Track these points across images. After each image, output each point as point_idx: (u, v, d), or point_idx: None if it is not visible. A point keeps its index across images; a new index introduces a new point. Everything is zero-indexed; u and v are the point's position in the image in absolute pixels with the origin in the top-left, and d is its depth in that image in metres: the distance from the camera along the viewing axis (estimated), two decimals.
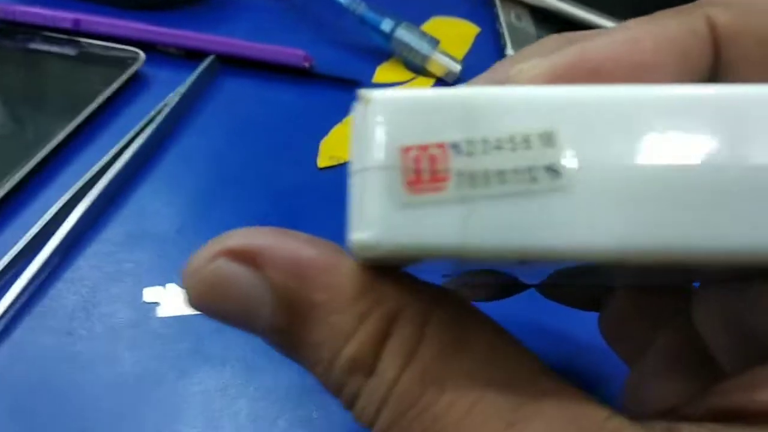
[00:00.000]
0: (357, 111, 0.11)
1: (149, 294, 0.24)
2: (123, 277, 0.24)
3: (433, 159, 0.10)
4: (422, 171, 0.10)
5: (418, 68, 0.37)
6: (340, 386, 0.11)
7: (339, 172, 0.30)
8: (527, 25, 0.41)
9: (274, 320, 0.11)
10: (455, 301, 0.12)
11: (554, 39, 0.15)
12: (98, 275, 0.24)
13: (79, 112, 0.31)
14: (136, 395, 0.21)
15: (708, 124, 0.10)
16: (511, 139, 0.10)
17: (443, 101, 0.10)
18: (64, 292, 0.24)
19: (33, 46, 0.35)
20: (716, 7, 0.12)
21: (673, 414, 0.12)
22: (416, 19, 0.42)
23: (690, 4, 0.13)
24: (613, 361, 0.18)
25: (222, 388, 0.21)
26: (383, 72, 0.37)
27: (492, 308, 0.16)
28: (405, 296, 0.11)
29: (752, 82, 0.12)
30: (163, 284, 0.24)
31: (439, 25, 0.42)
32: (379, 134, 0.10)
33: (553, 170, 0.10)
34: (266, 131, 0.32)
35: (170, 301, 0.24)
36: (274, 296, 0.11)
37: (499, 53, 0.39)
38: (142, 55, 0.34)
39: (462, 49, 0.40)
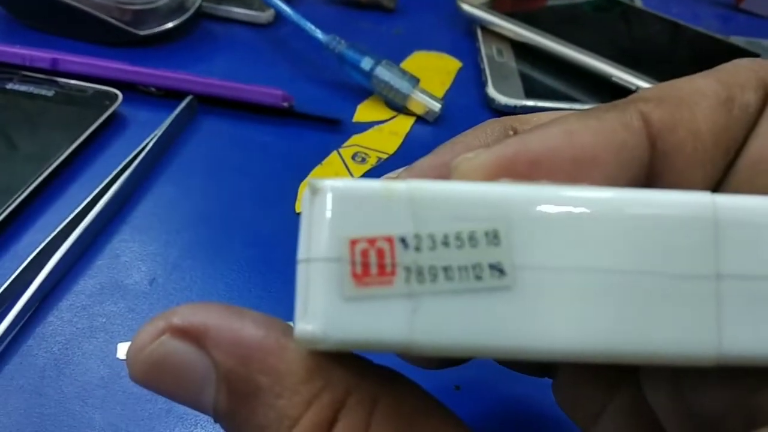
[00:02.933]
0: (306, 199, 0.11)
1: (122, 350, 0.23)
2: (96, 333, 0.24)
3: (380, 253, 0.10)
4: (370, 264, 0.10)
5: (398, 107, 0.37)
6: None
7: None
8: (509, 60, 0.41)
9: (219, 401, 0.11)
10: (403, 385, 0.12)
11: (492, 124, 0.16)
12: (71, 330, 0.24)
13: (55, 155, 0.30)
14: None
15: (642, 230, 0.10)
16: (458, 236, 0.10)
17: (392, 194, 0.10)
18: (35, 349, 0.23)
19: (10, 86, 0.35)
20: (649, 103, 0.12)
21: None
22: (399, 52, 0.43)
23: (624, 100, 0.13)
24: (568, 425, 0.18)
25: None
26: (364, 110, 0.37)
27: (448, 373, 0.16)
28: (352, 380, 0.11)
29: (687, 171, 0.12)
30: None
31: (421, 60, 0.43)
32: (328, 225, 0.10)
33: (498, 269, 0.10)
34: (244, 174, 0.32)
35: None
36: (219, 377, 0.11)
37: (481, 88, 0.39)
38: (120, 95, 0.34)
39: (444, 84, 0.41)
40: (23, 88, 0.35)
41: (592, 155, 0.12)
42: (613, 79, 0.38)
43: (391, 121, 0.37)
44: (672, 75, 0.40)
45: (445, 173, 0.13)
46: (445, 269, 0.10)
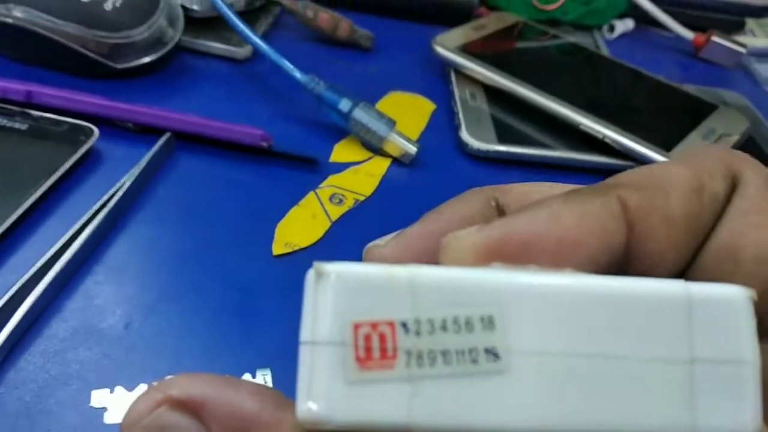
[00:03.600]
0: (310, 281, 0.11)
1: (96, 398, 0.23)
2: (69, 380, 0.24)
3: (383, 337, 0.11)
4: (372, 349, 0.11)
5: (375, 148, 0.38)
6: None
7: (294, 260, 0.30)
8: (481, 103, 0.43)
9: None
10: None
11: (475, 194, 0.16)
12: (44, 377, 0.24)
13: (30, 192, 0.30)
14: None
15: (623, 317, 0.11)
16: (455, 321, 0.11)
17: (393, 279, 0.11)
18: (7, 397, 0.23)
19: None
20: (627, 189, 0.13)
21: None
22: (375, 92, 0.44)
23: (604, 184, 0.14)
24: None
25: None
26: (340, 150, 0.38)
27: None
28: None
29: (660, 254, 0.13)
30: (111, 387, 0.24)
31: (396, 101, 0.44)
32: (332, 309, 0.11)
33: (493, 353, 0.11)
34: (222, 214, 0.32)
35: (118, 406, 0.23)
36: None
37: (454, 132, 0.40)
38: (96, 131, 0.34)
39: (418, 126, 0.41)
40: None
41: (576, 239, 0.13)
42: (581, 127, 0.39)
43: (367, 162, 0.37)
44: (636, 125, 0.42)
45: (432, 243, 0.14)
46: (443, 353, 0.11)
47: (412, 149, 0.37)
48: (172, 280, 0.28)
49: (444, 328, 0.11)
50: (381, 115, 0.38)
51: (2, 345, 0.24)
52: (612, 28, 0.58)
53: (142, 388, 0.24)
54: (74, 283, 0.27)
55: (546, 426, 0.11)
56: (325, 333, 0.11)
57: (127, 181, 0.32)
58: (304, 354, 0.11)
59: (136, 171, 0.32)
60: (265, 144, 0.36)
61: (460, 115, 0.41)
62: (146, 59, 0.40)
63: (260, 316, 0.27)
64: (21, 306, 0.25)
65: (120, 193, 0.31)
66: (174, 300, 0.27)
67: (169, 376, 0.12)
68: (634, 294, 0.11)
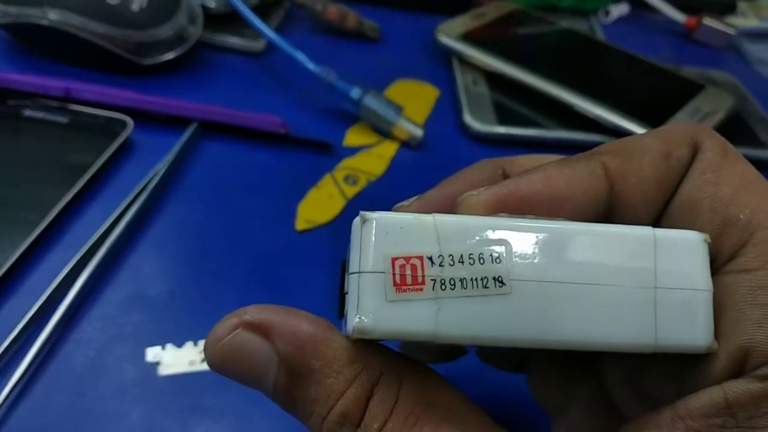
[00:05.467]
0: (357, 226, 0.14)
1: (151, 354, 0.27)
2: (126, 339, 0.27)
3: (414, 267, 0.14)
4: (406, 276, 0.14)
5: (384, 133, 0.41)
6: None
7: (315, 235, 0.34)
8: (482, 89, 0.46)
9: (279, 380, 0.15)
10: (421, 367, 0.15)
11: (485, 164, 0.19)
12: (104, 337, 0.27)
13: (75, 181, 0.33)
14: None
15: (602, 254, 0.14)
16: (471, 256, 0.14)
17: (421, 224, 0.14)
18: (74, 354, 0.27)
19: (27, 113, 0.38)
20: (608, 156, 0.16)
21: None
22: (383, 80, 0.47)
23: (590, 152, 0.17)
24: (540, 413, 0.22)
25: None
26: (352, 135, 0.41)
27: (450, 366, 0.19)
28: (384, 364, 0.15)
29: (636, 208, 0.16)
30: (162, 344, 0.27)
31: (403, 88, 0.47)
32: (374, 246, 0.14)
33: (500, 281, 0.14)
34: (247, 195, 0.36)
35: (169, 360, 0.27)
36: (280, 361, 0.15)
37: (457, 115, 0.44)
38: (130, 122, 0.38)
39: (424, 111, 0.45)
40: (39, 115, 0.38)
41: (565, 195, 0.16)
42: (575, 108, 0.42)
43: (377, 145, 0.41)
44: (627, 105, 0.46)
45: (448, 203, 0.17)
46: (461, 280, 0.14)
47: (419, 132, 0.40)
48: (206, 254, 0.32)
49: (462, 261, 0.14)
50: (389, 102, 0.41)
51: (66, 310, 0.27)
52: (608, 13, 0.60)
53: (189, 344, 0.27)
54: (122, 257, 0.31)
55: (541, 336, 0.14)
56: (369, 264, 0.14)
57: (161, 167, 0.35)
58: (353, 282, 0.14)
59: (169, 158, 0.36)
60: (283, 131, 0.39)
61: (463, 100, 0.44)
62: (170, 55, 0.43)
63: (286, 283, 0.31)
64: (79, 277, 0.29)
65: (156, 179, 0.34)
66: (209, 271, 0.31)
67: (242, 307, 0.15)
68: (611, 235, 0.15)
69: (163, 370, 0.26)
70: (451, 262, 0.14)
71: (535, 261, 0.14)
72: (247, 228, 0.33)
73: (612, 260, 0.14)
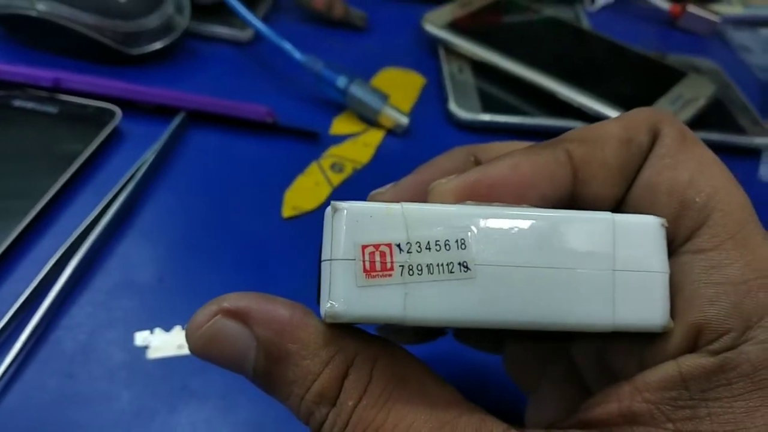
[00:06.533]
0: (328, 215, 0.15)
1: (139, 338, 0.28)
2: (115, 324, 0.28)
3: (383, 254, 0.15)
4: (376, 263, 0.15)
5: (370, 121, 0.42)
6: (309, 414, 0.15)
7: (302, 221, 0.34)
8: (468, 77, 0.46)
9: (258, 364, 0.16)
10: (393, 349, 0.16)
11: (459, 151, 0.20)
12: (93, 322, 0.28)
13: (65, 169, 0.34)
14: (135, 429, 0.25)
15: (564, 239, 0.15)
16: (437, 243, 0.15)
17: (390, 213, 0.15)
18: (64, 338, 0.27)
19: (17, 103, 0.38)
20: (572, 143, 0.17)
21: (553, 426, 0.16)
22: (369, 68, 0.47)
23: (555, 140, 0.17)
24: (514, 389, 0.23)
25: (207, 420, 0.25)
26: (339, 124, 0.42)
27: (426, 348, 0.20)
28: (357, 346, 0.16)
29: (598, 193, 0.17)
30: (150, 329, 0.28)
31: (389, 76, 0.47)
32: (345, 234, 0.15)
33: (465, 266, 0.15)
34: (234, 183, 0.36)
35: (158, 344, 0.27)
36: (259, 346, 0.15)
37: (443, 103, 0.44)
38: (119, 111, 0.38)
39: (410, 99, 0.45)
40: (29, 105, 0.38)
41: (531, 182, 0.17)
42: (559, 96, 0.43)
43: (363, 134, 0.41)
44: (610, 92, 0.46)
45: (422, 189, 0.18)
46: (428, 266, 0.15)
47: (404, 120, 0.41)
48: (195, 241, 0.32)
49: (429, 248, 0.15)
50: (375, 91, 0.41)
51: (56, 296, 0.28)
52: (593, 1, 0.61)
53: (177, 328, 0.28)
54: (111, 245, 0.31)
55: (500, 319, 0.15)
56: (341, 252, 0.15)
57: (149, 156, 0.36)
58: (325, 269, 0.15)
59: (156, 147, 0.36)
60: (270, 119, 0.39)
61: (448, 88, 0.44)
62: (158, 45, 0.44)
63: (273, 269, 0.31)
64: (69, 264, 0.29)
65: (144, 167, 0.35)
66: (198, 258, 0.32)
67: (220, 295, 0.16)
68: (573, 221, 0.15)
69: (152, 354, 0.27)
70: (419, 249, 0.15)
71: (499, 246, 0.15)
72: (234, 215, 0.34)
73: (573, 245, 0.15)
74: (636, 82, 0.46)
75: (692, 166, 0.16)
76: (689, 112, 0.43)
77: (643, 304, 0.15)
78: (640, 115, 0.18)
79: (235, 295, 0.16)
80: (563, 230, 0.15)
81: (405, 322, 0.14)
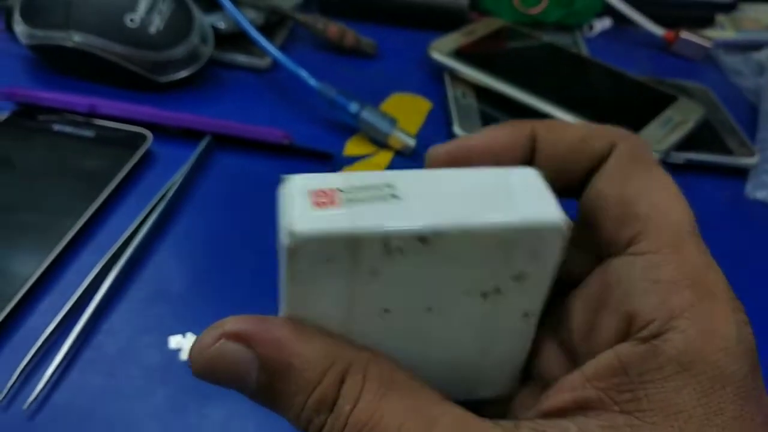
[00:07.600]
0: (281, 189, 0.18)
1: (173, 342, 0.31)
2: (150, 329, 0.31)
3: (329, 194, 0.17)
4: (323, 201, 0.17)
5: (380, 143, 0.45)
6: (308, 422, 0.17)
7: None
8: (471, 101, 0.49)
9: (260, 380, 0.17)
10: (383, 359, 0.18)
11: (508, 125, 0.23)
12: (131, 327, 0.31)
13: (102, 189, 0.37)
14: (170, 422, 0.28)
15: (473, 184, 0.18)
16: (372, 187, 0.17)
17: (331, 175, 0.18)
18: (105, 342, 0.30)
19: (56, 128, 0.41)
20: (541, 126, 0.20)
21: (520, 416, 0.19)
22: (379, 93, 0.50)
23: (524, 120, 0.21)
24: None
25: (236, 414, 0.28)
26: (351, 146, 0.45)
27: None
28: (352, 356, 0.17)
29: (550, 162, 0.20)
30: (183, 333, 0.31)
31: (397, 101, 0.50)
32: (297, 186, 0.17)
33: (395, 195, 0.17)
34: (255, 201, 0.39)
35: (190, 347, 0.30)
36: (260, 364, 0.17)
37: (448, 126, 0.47)
38: (150, 135, 0.41)
39: (417, 122, 0.48)
40: (67, 129, 0.42)
41: (502, 150, 0.20)
42: (555, 119, 0.46)
43: (374, 155, 0.44)
44: (603, 115, 0.49)
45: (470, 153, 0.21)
46: (367, 198, 0.17)
47: (412, 143, 0.44)
48: (221, 254, 0.35)
49: (365, 189, 0.17)
50: (384, 115, 0.45)
51: (97, 304, 0.31)
52: (591, 27, 0.64)
53: None
54: (146, 258, 0.35)
55: (426, 224, 0.17)
56: (295, 198, 0.17)
57: (179, 176, 0.39)
58: (281, 212, 0.17)
59: (185, 168, 0.39)
60: (287, 142, 0.43)
61: (453, 112, 0.48)
62: (184, 73, 0.47)
63: None
64: (108, 276, 0.32)
65: (175, 187, 0.38)
66: (223, 271, 0.35)
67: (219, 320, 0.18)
68: (483, 170, 0.18)
69: (185, 356, 0.30)
70: (358, 191, 0.17)
71: (420, 187, 0.18)
72: (256, 231, 0.37)
73: (481, 181, 0.18)
74: (629, 105, 0.49)
75: (640, 182, 0.19)
76: (678, 134, 0.46)
77: (541, 207, 0.18)
78: (603, 128, 0.21)
79: (234, 318, 0.17)
80: (475, 175, 0.18)
81: (352, 236, 0.16)
